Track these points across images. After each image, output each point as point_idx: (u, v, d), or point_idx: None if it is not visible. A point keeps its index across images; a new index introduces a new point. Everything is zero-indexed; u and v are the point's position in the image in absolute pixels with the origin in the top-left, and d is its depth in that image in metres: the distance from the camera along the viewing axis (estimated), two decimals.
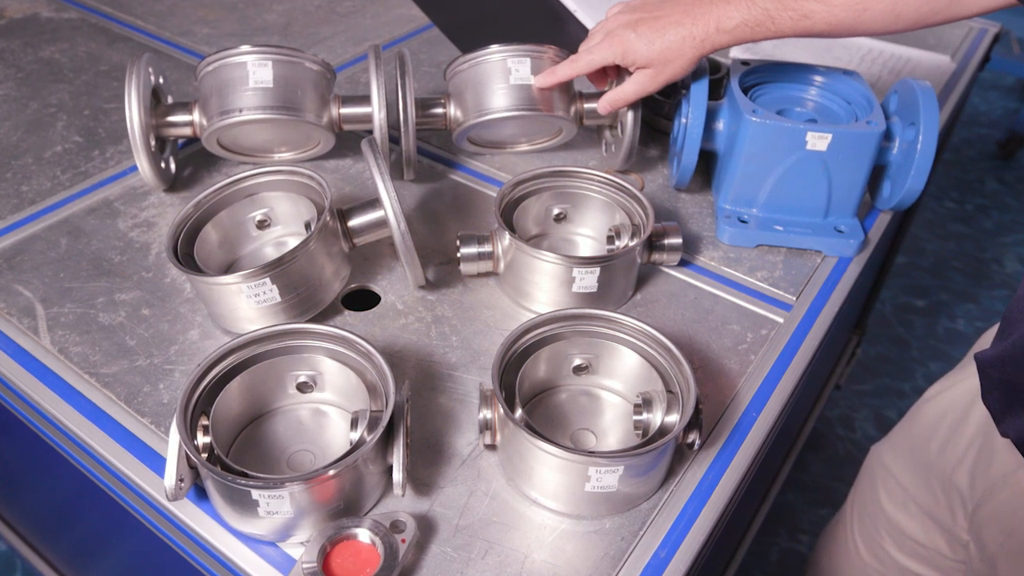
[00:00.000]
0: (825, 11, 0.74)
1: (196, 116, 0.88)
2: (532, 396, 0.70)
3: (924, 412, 0.87)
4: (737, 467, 0.66)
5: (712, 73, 1.01)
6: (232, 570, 0.60)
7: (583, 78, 0.90)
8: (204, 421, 0.61)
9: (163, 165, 0.91)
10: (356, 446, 0.58)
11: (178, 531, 0.63)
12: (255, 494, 0.55)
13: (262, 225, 0.82)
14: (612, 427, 0.68)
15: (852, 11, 0.74)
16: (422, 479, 0.64)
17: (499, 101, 0.89)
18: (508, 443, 0.62)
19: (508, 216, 0.81)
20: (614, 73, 0.91)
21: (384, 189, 0.71)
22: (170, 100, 0.95)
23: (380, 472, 0.61)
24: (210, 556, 0.62)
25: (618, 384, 0.70)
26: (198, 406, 0.62)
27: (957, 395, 0.83)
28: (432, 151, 1.01)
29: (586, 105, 0.93)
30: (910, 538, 0.89)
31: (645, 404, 0.66)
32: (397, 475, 0.59)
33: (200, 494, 0.62)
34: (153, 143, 0.87)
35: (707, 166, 0.97)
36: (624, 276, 0.78)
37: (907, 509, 0.89)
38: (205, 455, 0.60)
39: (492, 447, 0.66)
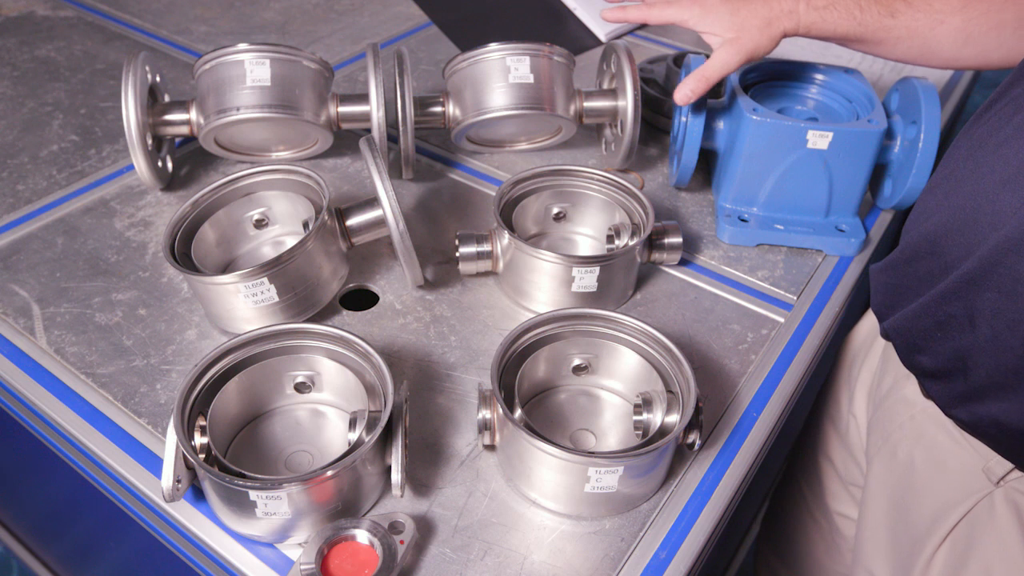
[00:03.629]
0: (909, 13, 0.74)
1: (193, 115, 0.88)
2: (531, 396, 0.70)
3: (850, 339, 0.90)
4: (738, 467, 0.66)
5: None
6: (230, 571, 0.59)
7: (580, 74, 0.89)
8: (201, 422, 0.61)
9: (160, 164, 0.90)
10: (354, 447, 0.58)
11: (175, 532, 0.63)
12: (253, 495, 0.55)
13: (260, 224, 0.81)
14: (612, 427, 0.68)
15: (929, 20, 0.74)
16: (421, 480, 0.63)
17: (498, 99, 0.88)
18: (507, 443, 0.62)
19: (507, 215, 0.80)
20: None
21: (382, 188, 0.70)
22: (167, 99, 0.95)
23: (379, 473, 0.60)
24: (208, 557, 0.61)
25: (618, 384, 0.70)
26: (195, 406, 0.61)
27: (870, 322, 0.86)
28: (431, 150, 1.01)
29: (585, 104, 0.93)
30: (836, 467, 0.90)
31: (645, 404, 0.65)
32: (396, 476, 0.58)
33: (197, 495, 0.62)
34: (150, 142, 0.86)
35: (707, 165, 0.97)
36: (624, 275, 0.78)
37: (837, 435, 0.90)
38: (202, 456, 0.59)
39: (491, 447, 0.65)
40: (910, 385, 0.73)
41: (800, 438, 1.03)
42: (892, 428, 0.75)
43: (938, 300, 0.65)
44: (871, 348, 0.84)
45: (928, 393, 0.70)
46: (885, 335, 0.74)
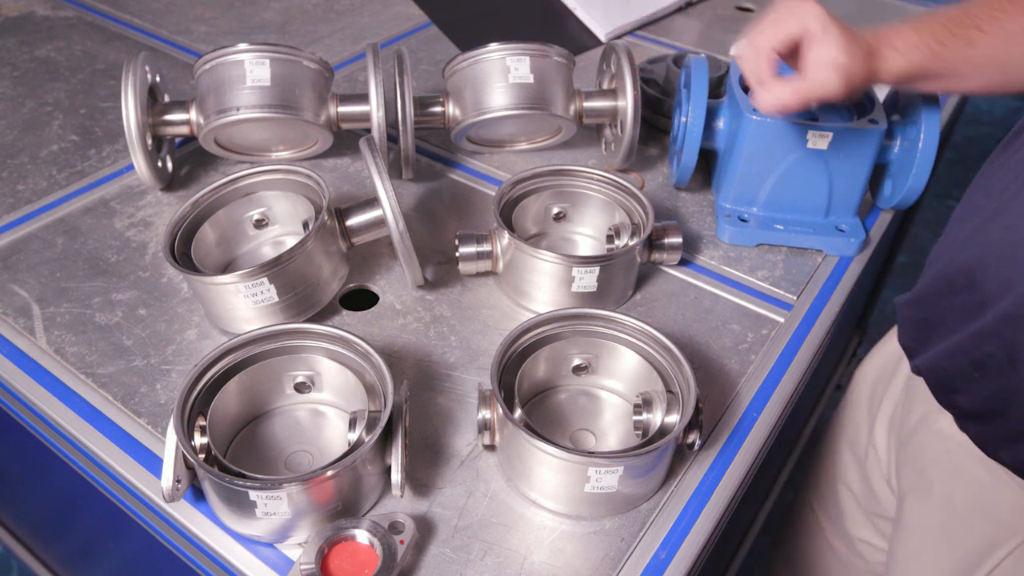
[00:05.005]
0: (986, 39, 0.68)
1: (193, 115, 0.88)
2: (531, 396, 0.70)
3: (864, 370, 0.89)
4: (738, 468, 0.66)
5: (713, 71, 1.00)
6: (230, 572, 0.59)
7: (580, 74, 0.89)
8: (201, 422, 0.61)
9: (160, 164, 0.90)
10: (354, 447, 0.58)
11: (175, 532, 0.63)
12: (253, 495, 0.55)
13: (260, 224, 0.81)
14: (612, 427, 0.68)
15: (1005, 44, 0.68)
16: (421, 480, 0.63)
17: (498, 99, 0.88)
18: (507, 443, 0.62)
19: (507, 215, 0.80)
20: None
21: (382, 188, 0.70)
22: (167, 99, 0.95)
23: (378, 473, 0.60)
24: (207, 558, 0.61)
25: (618, 384, 0.70)
26: (195, 407, 0.61)
27: (891, 350, 0.85)
28: (431, 150, 1.01)
29: (585, 104, 0.93)
30: (856, 496, 0.90)
31: (645, 404, 0.65)
32: (396, 476, 0.58)
33: (197, 495, 0.61)
34: (150, 142, 0.86)
35: (707, 165, 0.97)
36: (624, 275, 0.78)
37: (856, 464, 0.90)
38: (202, 456, 0.59)
39: (491, 448, 0.65)
40: (943, 418, 0.70)
41: (814, 461, 1.01)
42: (926, 463, 0.73)
43: (975, 338, 0.62)
44: (893, 378, 0.82)
45: (966, 431, 0.67)
46: (916, 371, 0.71)
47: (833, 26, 0.68)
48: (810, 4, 0.69)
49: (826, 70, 0.67)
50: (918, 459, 0.74)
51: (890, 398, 0.82)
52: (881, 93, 0.88)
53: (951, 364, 0.65)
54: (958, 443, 0.69)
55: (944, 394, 0.68)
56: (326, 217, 0.72)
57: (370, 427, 0.60)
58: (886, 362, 0.85)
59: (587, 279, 0.74)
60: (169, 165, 0.93)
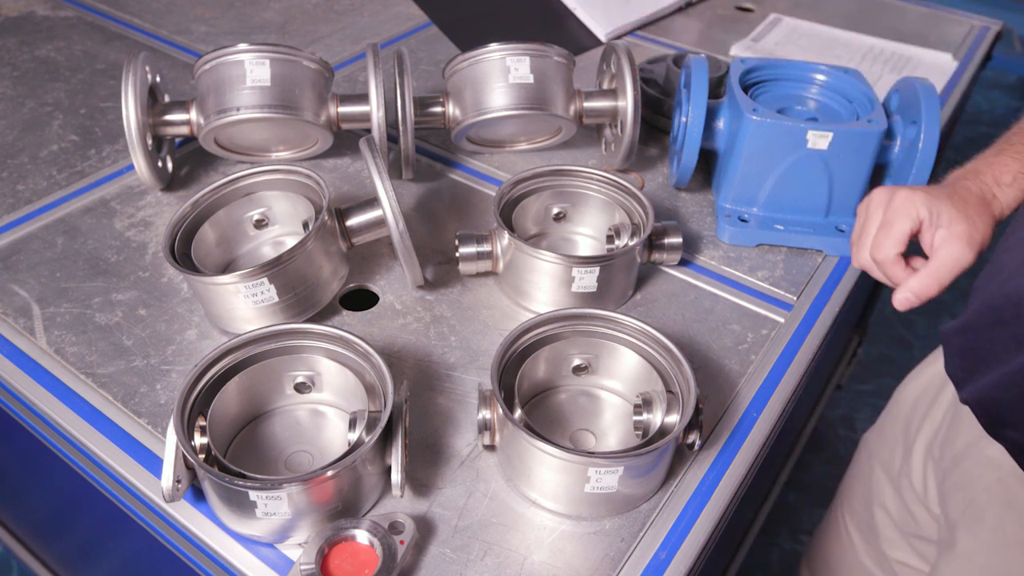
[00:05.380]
0: None
1: (193, 115, 0.88)
2: (531, 396, 0.70)
3: (904, 393, 0.88)
4: (738, 468, 0.66)
5: (713, 71, 1.00)
6: (230, 572, 0.59)
7: (580, 74, 0.89)
8: (201, 422, 0.61)
9: (160, 164, 0.90)
10: (354, 447, 0.58)
11: (175, 532, 0.63)
12: (253, 495, 0.55)
13: (260, 224, 0.81)
14: (612, 427, 0.68)
15: None
16: (421, 480, 0.63)
17: (498, 100, 0.88)
18: (507, 444, 0.62)
19: (507, 215, 0.80)
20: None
21: (382, 188, 0.70)
22: (167, 99, 0.94)
23: (378, 473, 0.60)
24: (207, 558, 0.61)
25: (618, 384, 0.70)
26: (195, 407, 0.61)
27: (932, 373, 0.84)
28: (431, 150, 1.01)
29: (585, 104, 0.93)
30: (893, 517, 0.89)
31: (645, 404, 0.65)
32: (396, 476, 0.58)
33: (197, 495, 0.61)
34: (150, 142, 0.86)
35: (707, 165, 0.97)
36: (624, 276, 0.78)
37: (892, 487, 0.89)
38: (202, 456, 0.59)
39: (491, 448, 0.65)
40: (993, 445, 0.69)
41: (849, 480, 1.00)
42: (975, 492, 0.71)
43: None
44: (934, 402, 0.81)
45: (1019, 464, 0.65)
46: (964, 402, 0.68)
47: (942, 204, 0.67)
48: (907, 195, 0.68)
49: (954, 247, 0.67)
50: (966, 487, 0.72)
51: (931, 422, 0.81)
52: (881, 93, 0.88)
53: (1003, 397, 0.63)
54: (1010, 471, 0.67)
55: (994, 427, 0.66)
56: (326, 217, 0.72)
57: (370, 427, 0.59)
58: (927, 386, 0.83)
59: (587, 279, 0.74)
60: (169, 165, 0.93)
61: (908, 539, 0.87)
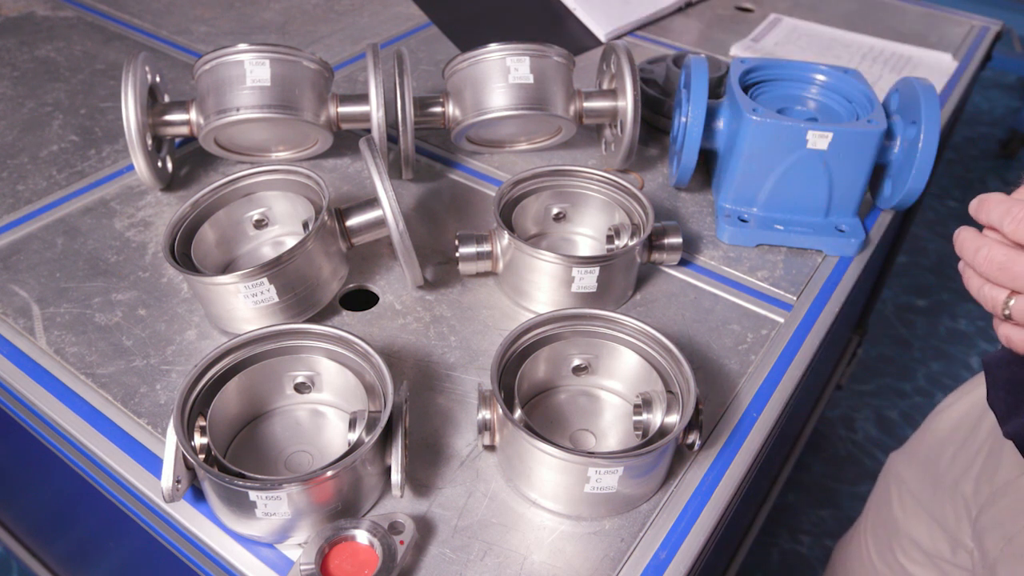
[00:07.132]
0: None
1: (193, 115, 0.88)
2: (531, 396, 0.70)
3: (938, 422, 0.87)
4: (738, 468, 0.66)
5: (713, 71, 1.00)
6: (229, 572, 0.59)
7: (580, 74, 0.89)
8: (201, 422, 0.61)
9: (160, 164, 0.90)
10: (354, 447, 0.58)
11: (175, 533, 0.63)
12: (253, 495, 0.55)
13: (259, 225, 0.81)
14: (612, 428, 0.68)
15: None
16: (421, 480, 0.63)
17: (498, 100, 0.88)
18: (507, 444, 0.62)
19: (507, 215, 0.80)
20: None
21: (382, 188, 0.70)
22: (167, 99, 0.95)
23: (378, 473, 0.60)
24: (207, 558, 0.61)
25: (618, 384, 0.70)
26: (195, 407, 0.61)
27: (970, 404, 0.83)
28: (430, 150, 1.01)
29: (585, 104, 0.93)
30: (919, 546, 0.89)
31: (645, 404, 0.65)
32: (395, 476, 0.58)
33: (197, 496, 0.61)
34: (150, 142, 0.86)
35: (707, 165, 0.97)
36: (624, 276, 0.78)
37: (917, 516, 0.88)
38: (202, 456, 0.59)
39: (491, 448, 0.65)
40: None
41: (871, 503, 1.00)
42: (1016, 529, 0.69)
43: None
44: (970, 435, 0.80)
45: None
46: (1008, 437, 0.65)
47: None
48: None
49: None
50: (1005, 524, 0.71)
51: (966, 454, 0.79)
52: (881, 93, 0.88)
53: None
54: None
55: None
56: (326, 217, 0.72)
57: (370, 427, 0.59)
58: (965, 414, 0.82)
59: (587, 279, 0.74)
60: (169, 165, 0.93)
61: (936, 561, 0.87)
